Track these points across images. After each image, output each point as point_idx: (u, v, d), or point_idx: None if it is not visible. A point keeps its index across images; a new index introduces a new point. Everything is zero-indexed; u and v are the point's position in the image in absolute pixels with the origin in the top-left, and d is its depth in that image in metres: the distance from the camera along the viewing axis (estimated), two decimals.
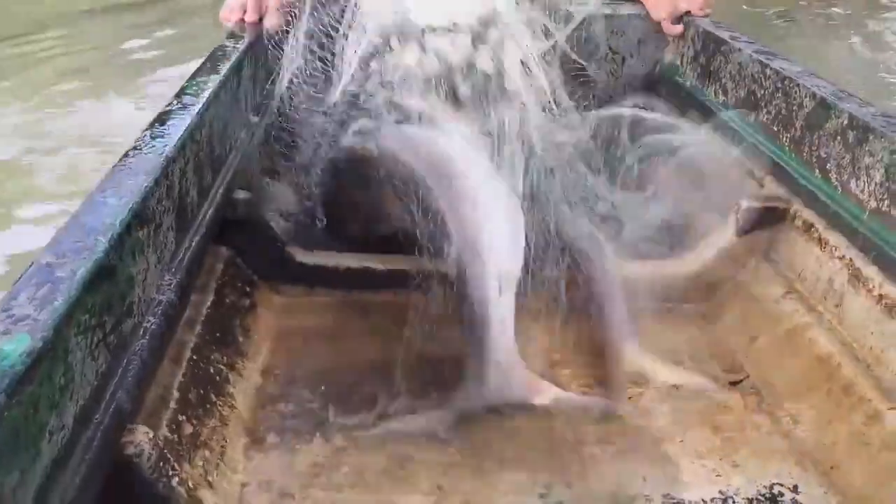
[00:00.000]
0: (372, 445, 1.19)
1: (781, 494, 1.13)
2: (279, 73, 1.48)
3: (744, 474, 1.16)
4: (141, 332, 0.89)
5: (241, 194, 1.40)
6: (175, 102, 1.17)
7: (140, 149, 1.00)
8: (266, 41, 1.57)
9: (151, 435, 0.93)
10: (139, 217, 0.86)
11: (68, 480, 0.69)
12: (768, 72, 1.53)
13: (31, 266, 0.73)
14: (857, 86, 3.12)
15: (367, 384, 1.29)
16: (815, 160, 1.38)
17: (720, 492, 1.13)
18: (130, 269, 0.86)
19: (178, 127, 1.07)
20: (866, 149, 1.23)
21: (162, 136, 1.04)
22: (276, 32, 1.59)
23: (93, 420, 0.75)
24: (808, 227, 1.40)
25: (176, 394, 1.07)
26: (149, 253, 0.92)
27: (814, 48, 4.78)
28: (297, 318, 1.46)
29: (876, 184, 1.21)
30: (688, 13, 1.93)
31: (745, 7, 5.69)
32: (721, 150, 1.56)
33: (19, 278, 0.72)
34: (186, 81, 1.26)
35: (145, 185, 0.90)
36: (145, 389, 1.00)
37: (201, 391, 1.14)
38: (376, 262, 1.50)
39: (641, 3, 2.02)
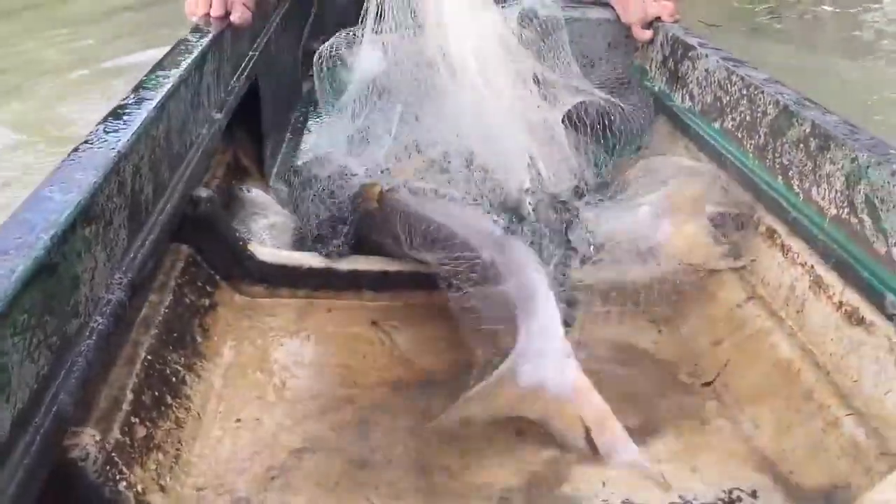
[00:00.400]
0: (331, 449, 1.17)
1: (740, 499, 1.12)
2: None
3: (702, 480, 1.15)
4: (87, 333, 0.87)
5: (202, 192, 1.38)
6: (132, 96, 1.14)
7: (92, 143, 0.97)
8: (230, 36, 1.56)
9: (98, 438, 0.91)
10: (86, 214, 0.84)
11: (3, 484, 0.67)
12: (734, 78, 1.54)
13: None
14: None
15: (328, 386, 1.28)
16: (777, 167, 1.38)
17: (679, 496, 1.12)
18: (75, 268, 0.84)
19: (132, 121, 1.05)
20: (827, 156, 1.23)
21: (116, 131, 1.02)
22: (242, 27, 1.58)
23: (32, 423, 0.73)
24: (772, 234, 1.40)
25: (129, 395, 1.05)
26: (97, 251, 0.90)
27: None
28: (259, 318, 1.44)
29: (836, 191, 1.21)
30: (658, 19, 1.93)
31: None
32: None
33: None
34: (145, 75, 1.24)
35: (94, 180, 0.88)
36: (95, 392, 0.98)
37: (156, 393, 1.12)
38: (340, 263, 1.48)
39: (612, 7, 2.02)
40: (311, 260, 1.48)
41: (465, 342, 1.35)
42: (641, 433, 1.23)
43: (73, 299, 0.84)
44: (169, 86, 1.19)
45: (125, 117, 1.06)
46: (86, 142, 0.98)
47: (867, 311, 1.15)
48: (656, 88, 1.87)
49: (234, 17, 1.58)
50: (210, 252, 1.42)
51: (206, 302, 1.38)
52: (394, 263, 1.49)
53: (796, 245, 1.33)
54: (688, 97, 1.74)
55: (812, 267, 1.29)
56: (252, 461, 1.14)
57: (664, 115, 1.84)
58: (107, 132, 1.01)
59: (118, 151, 0.97)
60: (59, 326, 0.80)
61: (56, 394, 0.77)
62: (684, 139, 1.77)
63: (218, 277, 1.44)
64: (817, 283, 1.27)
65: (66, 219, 0.80)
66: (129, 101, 1.12)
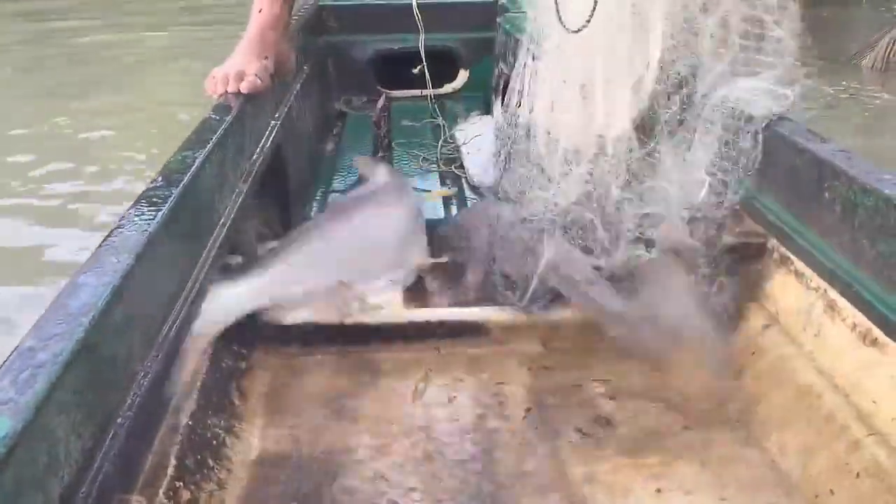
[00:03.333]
0: (373, 499, 1.21)
1: None
2: None
3: None
4: (127, 405, 0.93)
5: (231, 259, 1.45)
6: (160, 179, 1.22)
7: (124, 228, 1.04)
8: (251, 110, 1.64)
9: (144, 503, 0.97)
10: (120, 296, 0.91)
11: None
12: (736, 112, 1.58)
13: (14, 351, 0.78)
14: None
15: (363, 441, 1.32)
16: (782, 197, 1.41)
17: None
18: (113, 347, 0.90)
19: (161, 205, 1.12)
20: (826, 184, 1.27)
21: (145, 214, 1.09)
22: (255, 93, 1.66)
23: (79, 494, 0.79)
24: (785, 261, 1.43)
25: (173, 461, 1.11)
26: (132, 329, 0.96)
27: None
28: (294, 377, 1.49)
29: (835, 218, 1.25)
30: None
31: None
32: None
33: (4, 362, 0.77)
34: (171, 157, 1.31)
35: (127, 264, 0.95)
36: (139, 459, 1.04)
37: (198, 456, 1.18)
38: (368, 320, 1.54)
39: None
40: (342, 317, 1.54)
41: (491, 390, 1.41)
42: (668, 465, 1.26)
43: (112, 375, 0.90)
44: (194, 166, 1.26)
45: (154, 200, 1.13)
46: (118, 227, 1.05)
47: (878, 333, 1.17)
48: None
49: (242, 87, 1.66)
50: (244, 316, 1.49)
51: (242, 365, 1.45)
52: (424, 315, 1.54)
53: (808, 272, 1.36)
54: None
55: (825, 291, 1.31)
56: None
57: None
58: (137, 217, 1.08)
59: (149, 233, 1.04)
60: (100, 401, 0.86)
61: (101, 466, 0.83)
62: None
63: (253, 340, 1.50)
64: (832, 307, 1.30)
65: (102, 303, 0.87)
66: (158, 184, 1.19)
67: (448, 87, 2.50)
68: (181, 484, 1.10)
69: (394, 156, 2.50)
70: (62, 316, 0.83)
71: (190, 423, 1.20)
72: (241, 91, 1.65)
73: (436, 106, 2.82)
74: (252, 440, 1.32)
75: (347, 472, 1.26)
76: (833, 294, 1.28)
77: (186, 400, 1.23)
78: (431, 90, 2.82)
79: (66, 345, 0.79)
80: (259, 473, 1.26)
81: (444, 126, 2.66)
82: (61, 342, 0.79)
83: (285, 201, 1.96)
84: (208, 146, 1.36)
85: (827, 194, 1.26)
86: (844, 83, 6.14)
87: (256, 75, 1.68)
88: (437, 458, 1.29)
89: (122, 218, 1.08)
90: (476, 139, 2.37)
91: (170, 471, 1.09)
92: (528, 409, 1.40)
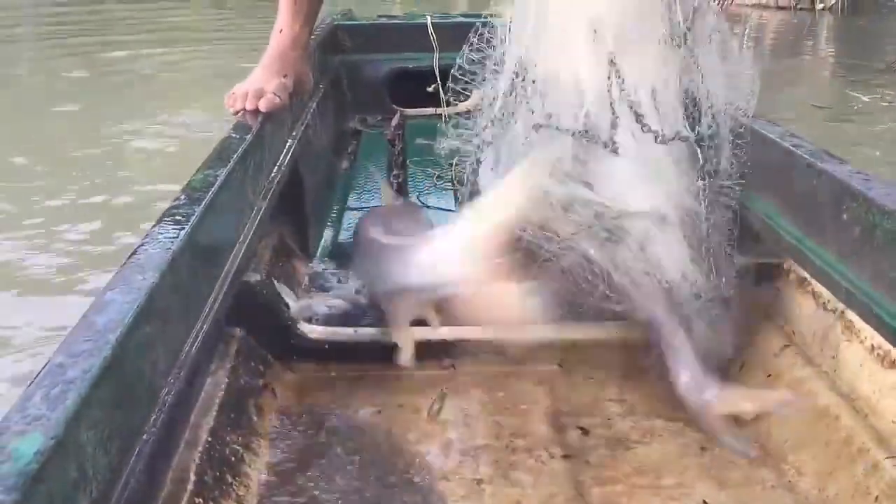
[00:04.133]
0: None
1: None
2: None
3: None
4: (152, 421, 0.94)
5: (251, 276, 1.47)
6: (182, 197, 1.24)
7: (147, 246, 1.06)
8: (269, 128, 1.66)
9: None
10: (146, 313, 0.92)
11: None
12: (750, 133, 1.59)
13: (44, 366, 0.79)
14: None
15: (382, 459, 1.33)
16: (799, 217, 1.42)
17: None
18: (139, 363, 0.91)
19: (184, 222, 1.14)
20: (844, 206, 1.27)
21: (168, 232, 1.10)
22: (276, 115, 1.68)
23: None
24: (802, 282, 1.43)
25: (193, 477, 1.12)
26: (157, 345, 0.98)
27: None
28: (311, 394, 1.50)
29: (852, 240, 1.25)
30: None
31: None
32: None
33: (35, 377, 0.78)
34: (193, 175, 1.33)
35: (151, 281, 0.96)
36: (161, 475, 1.05)
37: (217, 473, 1.18)
38: (387, 337, 1.55)
39: None
40: (359, 335, 1.55)
41: (508, 410, 1.41)
42: (685, 487, 1.26)
43: (138, 391, 0.91)
44: (215, 184, 1.28)
45: (177, 218, 1.15)
46: (142, 245, 1.07)
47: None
48: None
49: (261, 106, 1.68)
50: (262, 333, 1.50)
51: (260, 382, 1.45)
52: (442, 333, 1.54)
53: (826, 292, 1.36)
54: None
55: (843, 313, 1.32)
56: None
57: None
58: (161, 234, 1.10)
59: (172, 251, 1.05)
60: (127, 417, 0.87)
61: (126, 482, 0.84)
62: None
63: (270, 357, 1.51)
64: (849, 329, 1.30)
65: (129, 319, 0.88)
66: (180, 202, 1.21)
67: (462, 106, 2.51)
68: (201, 500, 1.10)
69: (408, 174, 2.51)
70: (90, 333, 0.84)
71: (209, 439, 1.21)
72: (260, 109, 1.67)
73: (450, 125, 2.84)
74: (270, 457, 1.33)
75: (366, 493, 1.26)
76: (851, 315, 1.29)
77: (205, 416, 1.24)
78: (446, 109, 2.84)
79: (94, 361, 0.80)
80: (276, 490, 1.26)
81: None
82: (90, 359, 0.80)
83: (302, 218, 1.98)
84: (229, 164, 1.38)
85: (845, 216, 1.27)
86: (880, 91, 6.14)
87: (275, 93, 1.70)
88: (453, 478, 1.29)
89: (147, 236, 1.10)
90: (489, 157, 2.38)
91: (190, 486, 1.10)
92: (544, 429, 1.40)
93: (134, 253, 1.05)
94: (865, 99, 5.86)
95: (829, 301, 1.35)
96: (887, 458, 1.14)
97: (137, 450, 0.89)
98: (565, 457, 1.33)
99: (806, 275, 1.42)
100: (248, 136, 1.54)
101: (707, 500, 1.23)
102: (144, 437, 0.91)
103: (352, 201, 2.33)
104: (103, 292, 0.93)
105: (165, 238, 1.09)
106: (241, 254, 1.40)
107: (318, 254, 2.03)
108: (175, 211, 1.19)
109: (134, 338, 0.89)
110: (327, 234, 2.16)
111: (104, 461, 0.80)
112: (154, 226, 1.13)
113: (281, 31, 1.83)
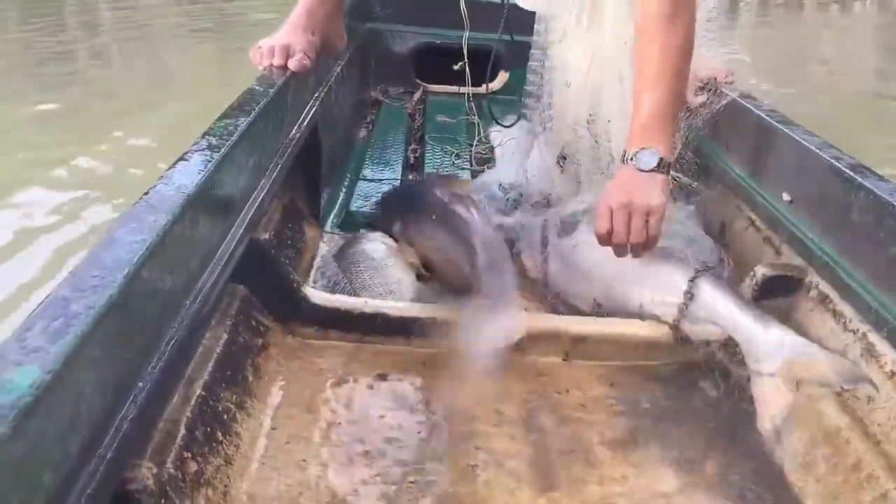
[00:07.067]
0: (377, 495, 1.18)
1: None
2: None
3: None
4: (150, 368, 0.90)
5: (260, 234, 1.43)
6: (201, 142, 1.20)
7: (161, 187, 1.02)
8: (293, 85, 1.61)
9: (155, 471, 0.94)
10: (155, 254, 0.88)
11: None
12: (788, 143, 1.55)
13: (48, 297, 0.75)
14: None
15: (374, 431, 1.30)
16: (830, 232, 1.38)
17: None
18: (144, 307, 0.88)
19: (200, 168, 1.10)
20: (882, 224, 1.23)
21: (184, 177, 1.07)
22: (301, 73, 1.64)
23: (96, 454, 0.76)
24: (823, 299, 1.40)
25: (183, 430, 1.08)
26: (163, 291, 0.94)
27: None
28: (309, 359, 1.47)
29: (888, 259, 1.21)
30: (714, 79, 1.94)
31: None
32: None
33: (36, 308, 0.74)
34: (213, 123, 1.29)
35: (163, 223, 0.92)
36: (153, 425, 1.01)
37: (208, 429, 1.15)
38: (390, 308, 1.51)
39: None
40: (362, 304, 1.51)
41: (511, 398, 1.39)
42: (686, 493, 1.22)
43: (138, 337, 0.87)
44: (234, 135, 1.24)
45: (193, 163, 1.11)
46: (156, 186, 1.03)
47: None
48: (704, 149, 1.88)
49: (291, 64, 1.64)
50: (265, 293, 1.46)
51: (259, 342, 1.42)
52: (444, 310, 1.51)
53: (848, 311, 1.32)
54: (740, 162, 1.75)
55: (864, 335, 1.28)
56: (299, 501, 1.16)
57: (716, 177, 1.85)
58: (175, 177, 1.06)
59: (186, 195, 1.01)
60: (126, 361, 0.83)
61: (119, 426, 0.81)
62: (736, 200, 1.78)
63: (271, 318, 1.48)
64: (869, 352, 1.26)
65: (137, 259, 0.84)
66: (197, 148, 1.17)
67: (486, 88, 2.47)
68: (189, 455, 1.07)
69: (426, 150, 2.47)
70: (98, 269, 0.80)
71: (203, 394, 1.17)
72: (290, 68, 1.63)
73: (472, 104, 2.80)
74: (262, 419, 1.29)
75: (355, 464, 1.23)
76: (874, 338, 1.25)
77: (201, 370, 1.21)
78: (470, 88, 2.79)
79: (99, 298, 0.76)
80: (266, 453, 1.23)
81: (479, 125, 2.63)
82: (94, 295, 0.76)
83: (317, 182, 1.94)
84: (251, 116, 1.34)
85: (882, 234, 1.22)
86: None
87: (305, 53, 1.65)
88: (447, 461, 1.26)
89: (162, 177, 1.06)
90: (510, 142, 2.34)
91: (179, 440, 1.06)
92: (544, 420, 1.37)
93: (146, 194, 1.01)
94: None
95: (850, 321, 1.31)
96: None
97: (133, 395, 0.85)
98: (563, 450, 1.29)
99: (829, 292, 1.38)
100: (272, 91, 1.50)
101: None
102: (140, 384, 0.88)
103: (366, 171, 2.29)
104: (113, 228, 0.89)
105: (180, 182, 1.05)
106: (253, 210, 1.37)
107: (329, 220, 1.99)
108: (191, 156, 1.15)
109: (141, 279, 0.85)
110: (339, 201, 2.13)
111: (99, 403, 0.76)
112: (169, 168, 1.09)
113: None
